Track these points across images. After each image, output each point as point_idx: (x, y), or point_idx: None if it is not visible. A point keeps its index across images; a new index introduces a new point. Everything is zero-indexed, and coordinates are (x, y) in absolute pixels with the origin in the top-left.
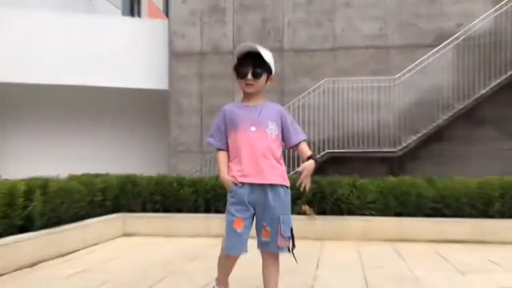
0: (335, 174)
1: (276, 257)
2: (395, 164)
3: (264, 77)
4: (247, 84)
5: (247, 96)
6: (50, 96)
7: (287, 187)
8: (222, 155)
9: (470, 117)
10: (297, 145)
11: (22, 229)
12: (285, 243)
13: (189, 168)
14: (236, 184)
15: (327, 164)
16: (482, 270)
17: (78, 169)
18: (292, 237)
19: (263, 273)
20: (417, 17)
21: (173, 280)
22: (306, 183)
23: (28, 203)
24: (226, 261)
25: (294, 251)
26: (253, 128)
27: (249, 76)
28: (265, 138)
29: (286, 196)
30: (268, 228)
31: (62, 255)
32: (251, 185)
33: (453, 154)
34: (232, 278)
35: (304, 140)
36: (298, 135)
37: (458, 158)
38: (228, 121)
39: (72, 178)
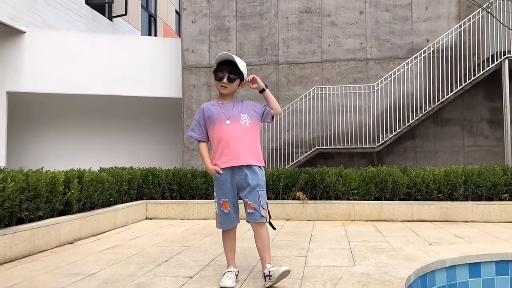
0: (324, 166)
1: (263, 226)
2: (374, 158)
3: (237, 82)
4: (222, 86)
5: (222, 96)
6: (83, 104)
7: (260, 166)
8: (203, 146)
9: (437, 118)
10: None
11: (62, 213)
12: (265, 213)
13: (200, 163)
14: (218, 172)
15: (317, 158)
16: (448, 242)
17: (108, 164)
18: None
19: (256, 242)
20: (392, 34)
21: (190, 251)
22: (254, 79)
23: (66, 191)
24: (224, 236)
25: (271, 220)
26: (228, 122)
27: (225, 80)
28: (240, 128)
29: (261, 174)
30: (250, 202)
31: (95, 235)
32: (232, 168)
33: (423, 149)
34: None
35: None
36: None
37: (427, 152)
38: (206, 117)
39: (103, 170)
